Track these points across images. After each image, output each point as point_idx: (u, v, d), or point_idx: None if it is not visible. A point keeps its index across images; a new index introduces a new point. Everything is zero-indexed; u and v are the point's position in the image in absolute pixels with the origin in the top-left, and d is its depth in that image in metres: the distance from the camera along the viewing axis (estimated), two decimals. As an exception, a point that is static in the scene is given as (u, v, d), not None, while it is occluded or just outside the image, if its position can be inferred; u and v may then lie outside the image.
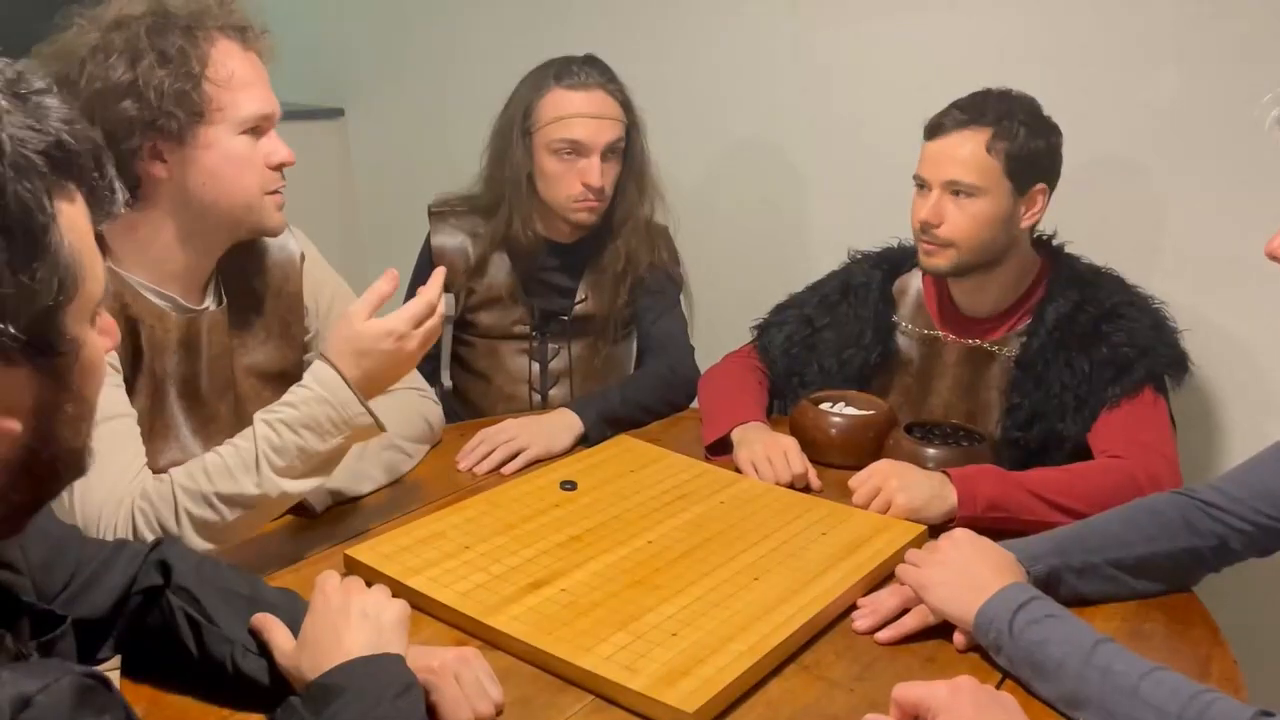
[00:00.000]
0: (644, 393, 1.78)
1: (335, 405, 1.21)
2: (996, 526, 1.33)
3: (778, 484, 1.49)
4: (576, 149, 1.79)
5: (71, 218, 0.67)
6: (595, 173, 1.80)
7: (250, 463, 1.19)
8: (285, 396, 1.23)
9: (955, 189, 1.54)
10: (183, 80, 1.24)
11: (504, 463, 1.58)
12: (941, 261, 1.58)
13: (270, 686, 0.98)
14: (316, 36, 3.08)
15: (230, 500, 1.19)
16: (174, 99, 1.23)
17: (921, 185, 1.59)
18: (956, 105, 1.57)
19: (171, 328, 1.33)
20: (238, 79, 1.28)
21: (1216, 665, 1.12)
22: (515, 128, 1.83)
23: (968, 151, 1.53)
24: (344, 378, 1.21)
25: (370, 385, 1.24)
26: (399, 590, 1.15)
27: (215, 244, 1.36)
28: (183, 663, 1.01)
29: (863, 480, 1.43)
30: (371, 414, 1.22)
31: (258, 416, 1.22)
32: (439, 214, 1.93)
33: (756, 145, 2.33)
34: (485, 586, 1.20)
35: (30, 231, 0.63)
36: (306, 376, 1.24)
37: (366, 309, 1.24)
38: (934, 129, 1.58)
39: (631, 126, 1.85)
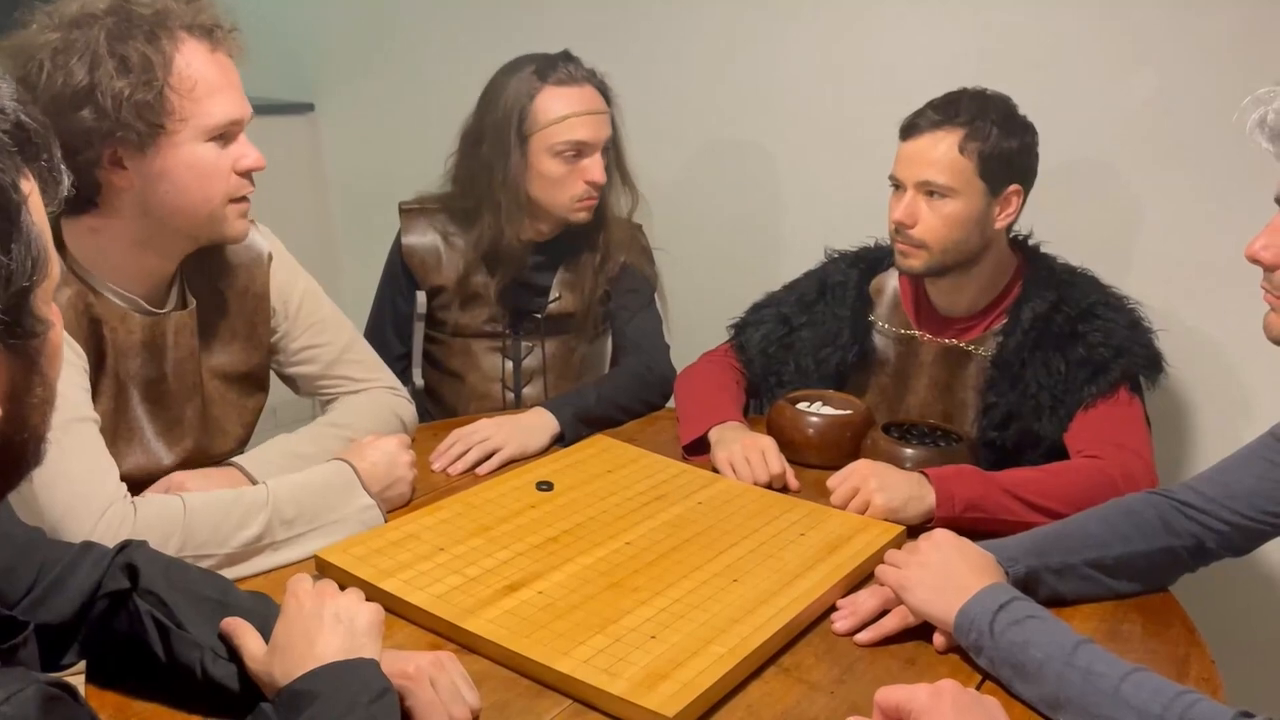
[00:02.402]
0: (620, 392, 1.76)
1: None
2: (974, 527, 1.33)
3: (755, 484, 1.48)
4: (580, 149, 1.76)
5: (34, 199, 0.67)
6: (599, 169, 1.77)
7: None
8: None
9: (929, 189, 1.54)
10: (143, 90, 1.17)
11: (479, 463, 1.56)
12: (916, 263, 1.58)
13: (241, 692, 0.96)
14: (286, 28, 3.04)
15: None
16: (134, 109, 1.17)
17: (896, 186, 1.59)
18: (930, 105, 1.57)
19: (135, 329, 1.30)
20: (204, 85, 1.22)
21: (1194, 665, 1.13)
22: (510, 133, 1.76)
23: (940, 152, 1.53)
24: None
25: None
26: (372, 593, 1.13)
27: (176, 249, 1.32)
28: (150, 668, 0.99)
29: (841, 480, 1.43)
30: None
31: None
32: (410, 212, 1.90)
33: (734, 145, 2.32)
34: (461, 589, 1.18)
35: (6, 211, 0.63)
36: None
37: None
38: (908, 129, 1.58)
39: (614, 117, 1.83)
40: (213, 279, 1.41)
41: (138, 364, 1.31)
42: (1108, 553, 1.23)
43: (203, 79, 1.22)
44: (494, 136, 1.78)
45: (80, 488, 1.16)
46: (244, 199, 1.31)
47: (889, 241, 1.64)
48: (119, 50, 1.18)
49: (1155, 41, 1.79)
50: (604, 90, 1.80)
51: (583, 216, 1.82)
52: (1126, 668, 0.98)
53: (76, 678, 1.02)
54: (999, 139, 1.53)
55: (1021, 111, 1.58)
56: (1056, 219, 1.70)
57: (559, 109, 1.74)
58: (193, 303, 1.37)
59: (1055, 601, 1.19)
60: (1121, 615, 1.21)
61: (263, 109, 3.09)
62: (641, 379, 1.81)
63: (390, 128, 2.92)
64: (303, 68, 3.09)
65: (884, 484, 1.39)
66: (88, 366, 1.25)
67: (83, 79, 1.16)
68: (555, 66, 1.77)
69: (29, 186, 0.66)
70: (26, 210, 0.64)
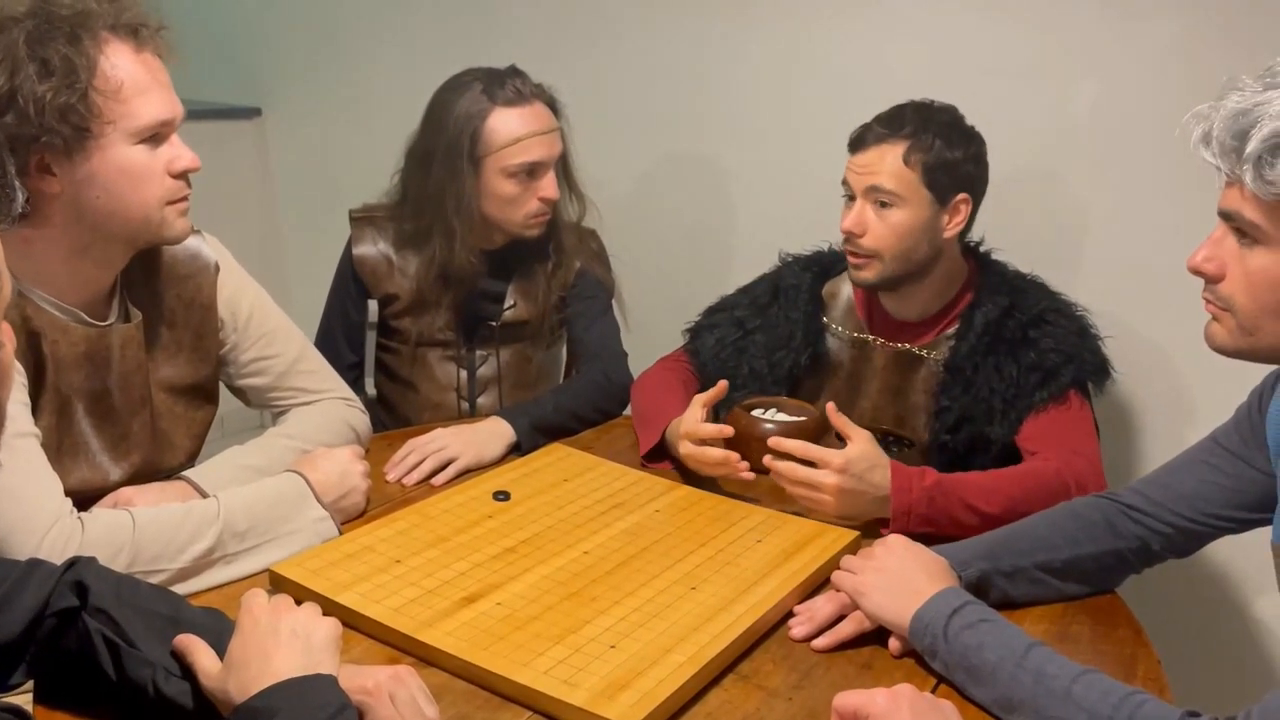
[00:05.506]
0: (578, 400, 1.76)
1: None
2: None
3: (705, 459, 1.50)
4: (534, 169, 1.75)
5: None
6: (553, 187, 1.77)
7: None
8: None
9: (877, 199, 1.56)
10: (66, 93, 1.14)
11: (434, 473, 1.55)
12: (869, 274, 1.60)
13: (195, 711, 0.95)
14: (233, 31, 3.00)
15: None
16: (57, 113, 1.14)
17: (849, 197, 1.61)
18: (876, 119, 1.60)
19: (78, 341, 1.27)
20: (130, 86, 1.19)
21: (1142, 665, 1.15)
22: (461, 157, 1.74)
23: (887, 163, 1.55)
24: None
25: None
26: (329, 607, 1.12)
27: (114, 257, 1.30)
28: (101, 687, 0.97)
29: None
30: None
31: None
32: (360, 220, 1.88)
33: (689, 152, 2.33)
34: (418, 601, 1.17)
35: None
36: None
37: None
38: (856, 143, 1.60)
39: (564, 129, 1.82)
40: (158, 290, 1.39)
41: (81, 377, 1.29)
42: (1056, 556, 1.25)
43: (129, 79, 1.20)
44: (444, 159, 1.75)
45: (24, 505, 1.13)
46: (183, 199, 1.28)
47: (842, 246, 1.65)
48: (40, 53, 1.15)
49: (1098, 51, 1.83)
50: (553, 105, 1.80)
51: (536, 231, 1.82)
52: (1077, 669, 1.00)
53: (24, 697, 1.00)
54: (942, 149, 1.55)
55: (969, 122, 1.61)
56: (1004, 227, 1.72)
57: (512, 130, 1.73)
58: (138, 316, 1.35)
59: (1006, 604, 1.21)
60: (1070, 617, 1.24)
61: (209, 113, 3.03)
62: (599, 387, 1.80)
63: (338, 132, 2.89)
64: (250, 71, 3.05)
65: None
66: (26, 381, 1.23)
67: (3, 84, 1.14)
68: (503, 84, 1.74)
69: None
70: None
